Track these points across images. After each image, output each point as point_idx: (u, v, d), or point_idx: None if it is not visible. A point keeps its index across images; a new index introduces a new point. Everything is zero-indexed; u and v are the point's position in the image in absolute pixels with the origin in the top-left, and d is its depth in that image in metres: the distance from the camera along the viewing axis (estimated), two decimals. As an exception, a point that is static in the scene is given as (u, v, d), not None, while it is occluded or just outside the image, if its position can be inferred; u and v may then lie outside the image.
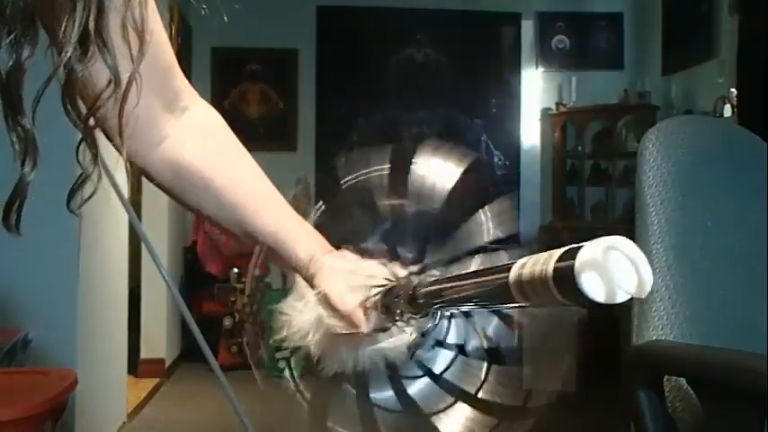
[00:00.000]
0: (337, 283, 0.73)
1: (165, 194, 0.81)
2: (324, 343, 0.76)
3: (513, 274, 0.45)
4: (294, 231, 0.78)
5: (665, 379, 1.17)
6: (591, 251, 0.38)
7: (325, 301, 0.74)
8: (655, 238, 1.26)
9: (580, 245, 0.41)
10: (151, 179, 0.79)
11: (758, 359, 0.98)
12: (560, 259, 0.41)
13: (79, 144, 0.65)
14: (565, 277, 0.39)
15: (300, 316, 0.78)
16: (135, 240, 3.43)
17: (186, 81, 0.79)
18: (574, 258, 0.38)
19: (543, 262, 0.42)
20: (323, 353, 0.76)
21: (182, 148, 0.77)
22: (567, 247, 0.41)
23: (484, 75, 5.54)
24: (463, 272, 0.61)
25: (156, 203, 4.41)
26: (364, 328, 0.72)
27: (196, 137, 0.78)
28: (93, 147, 0.65)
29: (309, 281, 0.77)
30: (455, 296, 0.58)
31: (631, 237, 1.34)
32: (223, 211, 0.78)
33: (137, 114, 0.71)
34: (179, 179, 0.78)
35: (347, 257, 0.77)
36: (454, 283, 0.58)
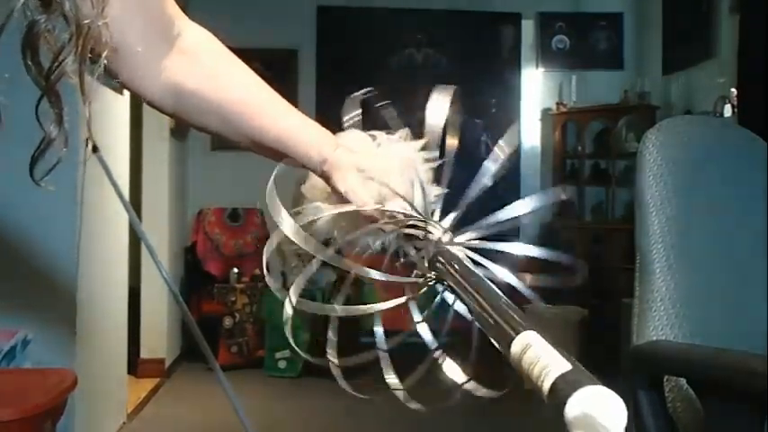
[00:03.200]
0: (353, 182, 0.73)
1: (178, 121, 0.83)
2: (337, 222, 0.76)
3: (515, 349, 0.44)
4: (301, 132, 0.78)
5: (665, 379, 1.17)
6: (580, 407, 0.36)
7: (342, 200, 0.74)
8: (655, 237, 1.25)
9: (576, 378, 0.39)
10: (158, 109, 0.81)
11: (758, 359, 0.98)
12: (554, 389, 0.39)
13: (38, 102, 0.61)
14: (557, 406, 0.38)
15: (315, 192, 0.79)
16: (135, 240, 3.42)
17: (176, 6, 0.79)
18: (566, 399, 0.37)
19: (539, 374, 0.40)
20: (335, 229, 0.76)
21: (179, 73, 0.78)
22: (561, 372, 0.39)
23: (484, 75, 5.54)
24: (483, 283, 0.56)
25: (156, 203, 4.41)
26: (381, 225, 0.71)
27: (191, 59, 0.78)
28: (57, 106, 0.62)
29: (325, 180, 0.77)
30: (463, 297, 0.57)
31: (632, 237, 1.34)
32: (228, 125, 0.79)
33: (135, 50, 0.73)
34: (181, 103, 0.79)
35: (361, 147, 0.77)
36: (470, 288, 0.56)
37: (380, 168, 0.74)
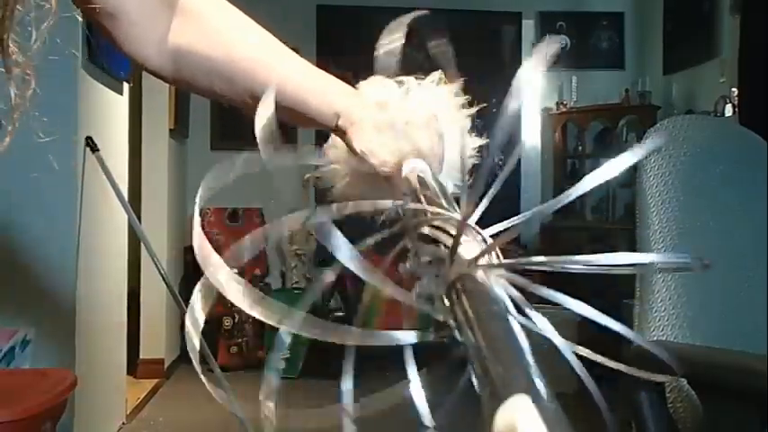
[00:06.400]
0: (369, 138, 0.65)
1: (179, 87, 0.78)
2: (354, 186, 0.67)
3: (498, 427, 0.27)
4: (313, 85, 0.71)
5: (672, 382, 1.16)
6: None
7: (361, 160, 0.65)
8: (655, 237, 1.25)
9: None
10: (159, 76, 0.77)
11: (758, 359, 0.98)
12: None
13: None
14: None
15: (336, 152, 0.70)
16: (135, 240, 3.42)
17: None
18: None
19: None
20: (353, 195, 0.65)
21: (181, 35, 0.74)
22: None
23: (484, 74, 5.53)
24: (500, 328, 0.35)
25: (155, 204, 4.41)
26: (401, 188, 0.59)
27: (193, 19, 0.74)
28: (9, 70, 0.57)
29: (342, 138, 0.69)
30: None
31: (632, 236, 1.34)
32: (233, 85, 0.72)
33: (134, 16, 0.69)
34: (184, 68, 0.75)
35: (383, 96, 0.68)
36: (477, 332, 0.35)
37: (401, 121, 0.65)
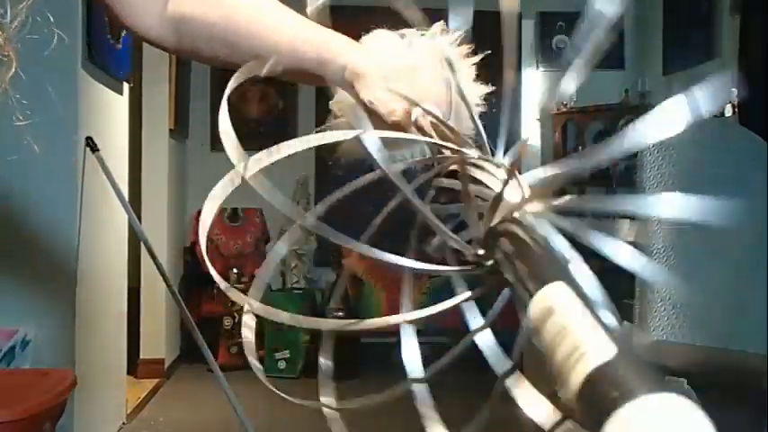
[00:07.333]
0: (376, 88, 0.64)
1: (181, 57, 0.78)
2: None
3: (534, 313, 0.28)
4: (318, 42, 0.70)
5: (665, 379, 1.16)
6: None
7: (370, 111, 0.64)
8: (655, 237, 1.25)
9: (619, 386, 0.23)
10: (160, 47, 0.77)
11: (758, 359, 0.98)
12: (588, 390, 0.24)
13: None
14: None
15: (344, 107, 0.70)
16: (135, 240, 3.42)
17: None
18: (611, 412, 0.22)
19: (565, 361, 0.25)
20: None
21: (179, 4, 0.73)
22: (602, 361, 0.24)
23: (484, 74, 5.53)
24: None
25: (155, 204, 4.40)
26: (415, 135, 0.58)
27: None
28: None
29: (349, 92, 0.68)
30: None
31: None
32: (235, 49, 0.71)
33: None
34: (185, 36, 0.74)
35: (387, 48, 0.67)
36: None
37: (407, 68, 0.64)
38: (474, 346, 0.45)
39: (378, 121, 0.62)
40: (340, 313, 4.55)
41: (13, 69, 0.63)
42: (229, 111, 0.44)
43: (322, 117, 0.75)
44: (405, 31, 0.68)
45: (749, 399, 0.95)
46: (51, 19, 0.79)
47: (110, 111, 3.13)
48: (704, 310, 1.25)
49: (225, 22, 0.71)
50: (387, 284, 4.83)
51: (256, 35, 0.70)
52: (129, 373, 3.62)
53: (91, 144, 2.68)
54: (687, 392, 1.12)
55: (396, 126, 0.61)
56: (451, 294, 0.46)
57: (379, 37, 0.70)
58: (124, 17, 0.73)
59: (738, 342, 1.16)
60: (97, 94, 2.90)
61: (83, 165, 2.61)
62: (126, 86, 3.34)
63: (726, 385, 1.03)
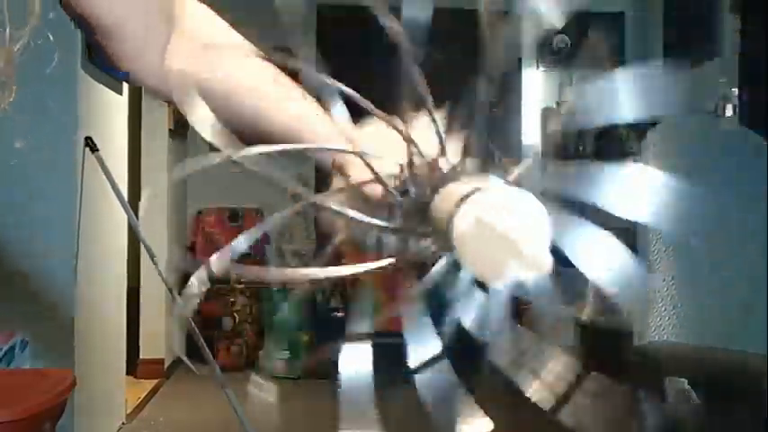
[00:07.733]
0: (365, 173, 0.65)
1: (176, 105, 0.76)
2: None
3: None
4: (313, 124, 0.71)
5: (665, 379, 1.16)
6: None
7: (357, 193, 0.64)
8: (655, 238, 1.25)
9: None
10: (160, 97, 0.75)
11: (758, 359, 0.98)
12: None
13: None
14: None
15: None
16: (135, 240, 3.42)
17: None
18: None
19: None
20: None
21: (181, 59, 0.71)
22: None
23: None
24: None
25: (156, 203, 4.40)
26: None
27: (193, 43, 0.72)
28: None
29: (339, 171, 0.69)
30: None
31: (633, 237, 1.34)
32: (233, 125, 0.69)
33: (132, 33, 0.67)
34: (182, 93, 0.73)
35: (371, 133, 0.66)
36: None
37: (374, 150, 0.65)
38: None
39: (363, 199, 0.63)
40: (340, 313, 4.56)
41: (12, 97, 0.62)
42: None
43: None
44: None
45: (749, 399, 0.95)
46: (51, 17, 0.78)
47: (109, 111, 3.13)
48: (704, 311, 1.25)
49: (225, 90, 0.70)
50: (387, 284, 4.83)
51: (255, 109, 0.71)
52: (128, 373, 3.62)
53: (90, 144, 2.67)
54: (687, 392, 1.12)
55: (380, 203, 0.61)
56: (443, 294, 0.47)
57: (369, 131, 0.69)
58: (120, 62, 0.71)
59: (738, 342, 1.16)
60: (97, 94, 2.89)
61: (82, 165, 2.61)
62: (126, 86, 3.34)
63: (726, 385, 1.03)
